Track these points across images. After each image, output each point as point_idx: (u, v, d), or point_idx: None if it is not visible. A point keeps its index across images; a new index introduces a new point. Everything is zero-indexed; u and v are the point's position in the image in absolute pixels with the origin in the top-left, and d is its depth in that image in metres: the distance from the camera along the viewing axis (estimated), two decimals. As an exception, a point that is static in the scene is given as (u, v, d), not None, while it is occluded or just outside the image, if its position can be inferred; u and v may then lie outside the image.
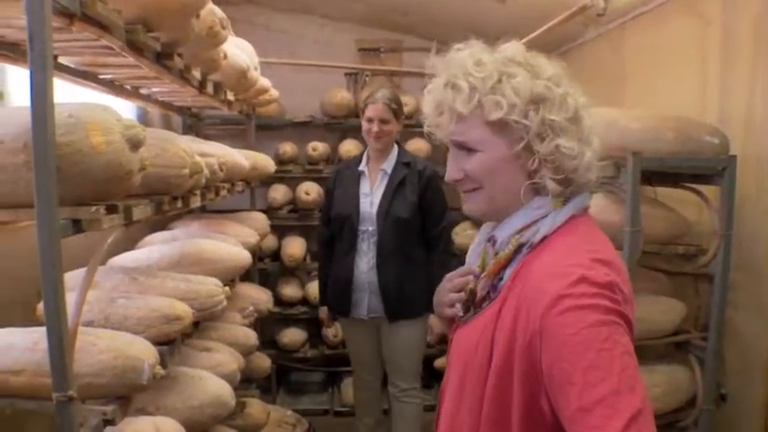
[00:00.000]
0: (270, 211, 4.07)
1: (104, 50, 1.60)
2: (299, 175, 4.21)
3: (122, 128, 1.21)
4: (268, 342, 4.21)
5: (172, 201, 1.79)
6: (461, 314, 1.12)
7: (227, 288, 2.09)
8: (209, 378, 2.09)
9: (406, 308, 2.80)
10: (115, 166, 1.19)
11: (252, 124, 3.89)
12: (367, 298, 2.86)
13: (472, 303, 1.10)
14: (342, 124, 4.18)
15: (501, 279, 1.04)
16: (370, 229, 2.83)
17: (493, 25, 3.70)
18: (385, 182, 2.86)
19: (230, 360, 2.42)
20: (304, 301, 4.18)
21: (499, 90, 0.99)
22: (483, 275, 1.08)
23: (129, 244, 2.72)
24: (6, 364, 1.32)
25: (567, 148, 0.98)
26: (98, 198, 1.28)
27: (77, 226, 1.20)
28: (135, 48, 1.56)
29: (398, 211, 2.78)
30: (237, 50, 2.52)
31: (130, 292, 1.90)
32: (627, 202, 1.67)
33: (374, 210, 2.83)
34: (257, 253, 3.83)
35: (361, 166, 2.95)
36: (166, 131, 1.80)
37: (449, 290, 1.16)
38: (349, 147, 4.06)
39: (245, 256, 2.47)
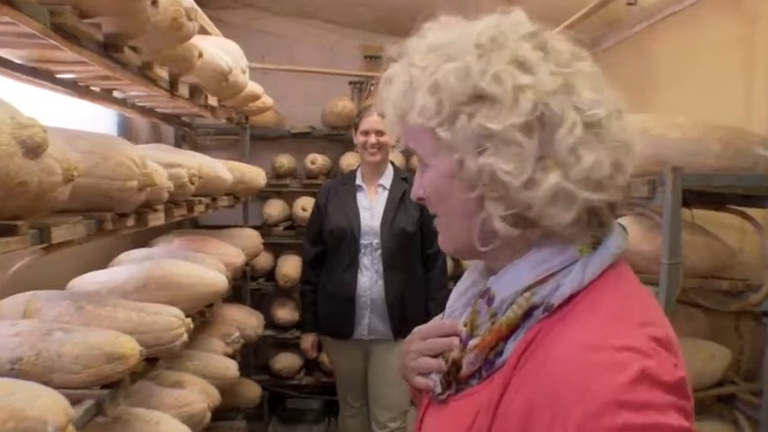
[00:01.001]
0: (265, 227, 3.81)
1: (39, 41, 1.35)
2: (297, 189, 3.94)
3: (14, 127, 0.94)
4: (261, 366, 3.94)
5: (117, 218, 1.52)
6: (439, 390, 0.80)
7: (188, 320, 1.80)
8: (168, 422, 1.81)
9: (406, 326, 2.54)
10: (1, 177, 0.92)
11: (246, 134, 3.64)
12: (367, 317, 2.68)
13: (454, 378, 0.78)
14: (343, 135, 3.90)
15: (500, 354, 0.73)
16: (374, 242, 2.68)
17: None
18: (385, 195, 2.75)
19: (199, 399, 2.14)
20: (299, 324, 3.88)
21: (429, 85, 0.73)
22: (472, 344, 0.75)
23: (103, 260, 2.48)
24: None
25: (507, 172, 0.68)
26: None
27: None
28: (68, 36, 1.30)
29: (403, 223, 2.66)
30: (219, 50, 2.27)
31: (73, 323, 1.63)
32: (664, 228, 1.36)
33: (376, 222, 2.69)
34: (247, 273, 3.57)
35: (359, 181, 2.81)
36: (112, 136, 1.54)
37: (420, 351, 0.84)
38: (350, 160, 3.78)
39: (220, 281, 2.19)
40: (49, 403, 1.11)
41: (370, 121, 2.66)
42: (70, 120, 2.27)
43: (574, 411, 0.60)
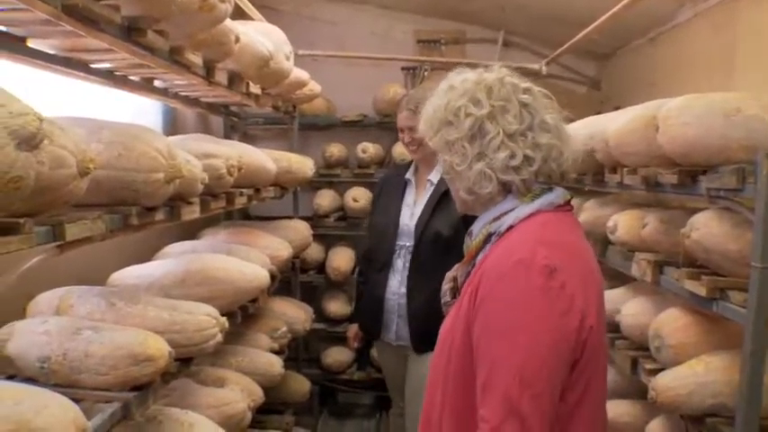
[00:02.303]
0: (315, 218, 3.72)
1: (60, 27, 1.28)
2: (348, 179, 3.83)
3: (5, 116, 0.85)
4: (312, 360, 3.89)
5: (145, 212, 1.44)
6: (447, 299, 1.40)
7: (223, 320, 1.72)
8: (203, 425, 1.74)
9: (427, 339, 2.19)
10: (-10, 171, 0.83)
11: (295, 123, 3.56)
12: (395, 322, 2.49)
13: (457, 290, 1.32)
14: (396, 123, 3.75)
15: (474, 265, 1.21)
16: (408, 244, 2.45)
17: (569, 8, 3.20)
18: (430, 192, 2.50)
19: (239, 398, 2.07)
20: (352, 318, 3.79)
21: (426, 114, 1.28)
22: (461, 263, 1.30)
23: (151, 252, 2.45)
24: None
25: (456, 163, 1.19)
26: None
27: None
28: (83, 19, 1.21)
29: (438, 226, 2.38)
30: (259, 36, 2.16)
31: (104, 320, 1.58)
32: (755, 225, 1.15)
33: (413, 222, 2.46)
34: (297, 266, 3.50)
35: (409, 174, 2.60)
36: (140, 126, 1.46)
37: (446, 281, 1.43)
38: (402, 149, 3.62)
39: (261, 276, 2.10)
40: (57, 413, 1.03)
41: (401, 118, 2.49)
42: (117, 113, 2.24)
43: (482, 289, 1.10)
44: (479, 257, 1.19)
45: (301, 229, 3.13)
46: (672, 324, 1.66)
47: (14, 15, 1.31)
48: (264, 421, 2.80)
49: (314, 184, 3.79)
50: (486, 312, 1.08)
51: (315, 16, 3.91)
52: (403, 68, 3.97)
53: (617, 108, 2.47)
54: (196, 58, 1.76)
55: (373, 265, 2.57)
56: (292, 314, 3.03)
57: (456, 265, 1.37)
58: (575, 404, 1.09)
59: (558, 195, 1.18)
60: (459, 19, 3.95)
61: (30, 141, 0.87)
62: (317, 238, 3.52)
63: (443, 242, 2.36)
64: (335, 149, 3.76)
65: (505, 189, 1.17)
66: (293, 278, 3.55)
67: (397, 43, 3.96)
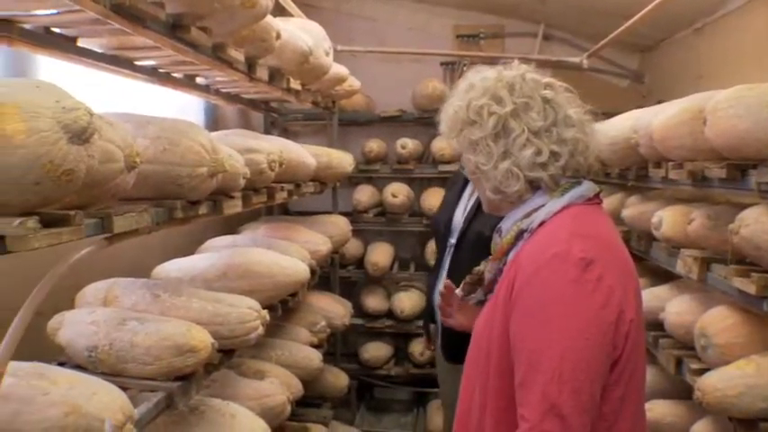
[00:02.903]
0: (355, 214, 3.74)
1: (108, 26, 1.32)
2: (387, 175, 3.84)
3: (58, 111, 0.88)
4: (351, 355, 3.91)
5: (189, 206, 1.47)
6: (461, 294, 1.45)
7: (265, 312, 1.75)
8: (244, 416, 1.77)
9: (456, 350, 1.96)
10: (42, 164, 0.86)
11: (334, 119, 3.58)
12: (439, 327, 2.32)
13: (479, 285, 1.38)
14: (435, 119, 3.73)
15: (505, 263, 1.21)
16: (452, 242, 2.31)
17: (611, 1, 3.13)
18: None
19: (279, 391, 2.09)
20: (390, 313, 3.81)
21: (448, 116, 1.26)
22: (490, 259, 1.29)
23: (193, 246, 2.51)
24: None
25: (482, 163, 1.18)
26: (41, 206, 0.95)
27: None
28: (129, 17, 1.25)
29: (480, 225, 2.17)
30: (298, 31, 2.19)
31: (149, 312, 1.62)
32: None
33: (462, 219, 2.31)
34: (336, 261, 3.53)
35: None
36: (184, 121, 1.49)
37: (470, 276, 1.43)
38: (442, 144, 3.62)
39: (301, 270, 2.13)
40: (106, 400, 1.06)
41: None
42: (161, 110, 2.29)
43: (518, 284, 1.09)
44: (511, 255, 1.19)
45: (341, 224, 3.15)
46: (719, 323, 1.61)
47: (66, 17, 1.36)
48: (302, 414, 2.84)
49: (353, 180, 3.82)
50: (523, 308, 1.07)
51: (354, 12, 3.93)
52: (442, 64, 3.96)
53: (659, 102, 2.40)
54: (238, 55, 1.79)
55: (434, 263, 2.45)
56: (331, 309, 3.05)
57: (483, 262, 1.35)
58: (619, 400, 1.07)
59: (587, 188, 1.17)
60: (499, 12, 3.91)
61: (81, 135, 0.90)
62: (356, 233, 3.53)
63: (484, 242, 2.08)
64: (374, 145, 3.78)
65: (533, 186, 1.17)
66: (332, 273, 3.57)
67: (436, 38, 3.94)
